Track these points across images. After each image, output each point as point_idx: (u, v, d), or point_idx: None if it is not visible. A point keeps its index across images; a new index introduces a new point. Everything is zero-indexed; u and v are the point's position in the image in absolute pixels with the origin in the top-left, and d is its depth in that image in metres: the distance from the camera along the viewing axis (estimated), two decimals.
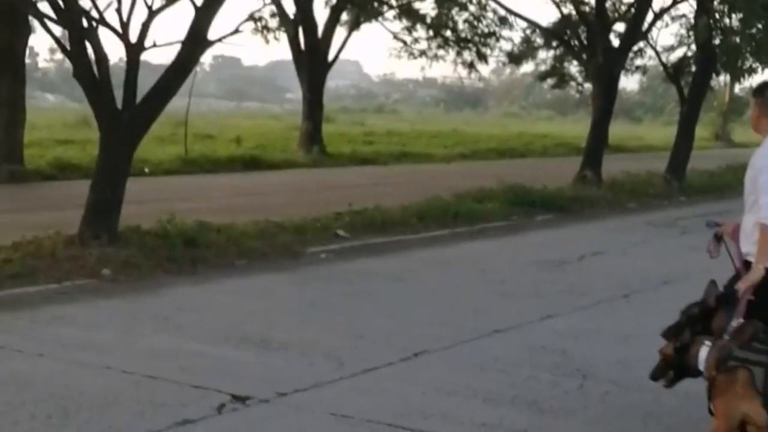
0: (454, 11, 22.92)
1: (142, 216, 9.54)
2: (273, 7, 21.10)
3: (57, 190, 13.92)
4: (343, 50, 23.19)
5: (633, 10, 19.51)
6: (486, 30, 23.45)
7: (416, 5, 23.06)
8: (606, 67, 18.38)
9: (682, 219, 14.02)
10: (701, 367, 4.10)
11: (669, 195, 17.35)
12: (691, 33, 20.64)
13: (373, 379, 5.42)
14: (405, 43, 24.05)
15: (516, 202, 13.57)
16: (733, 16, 19.44)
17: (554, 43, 26.95)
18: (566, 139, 32.27)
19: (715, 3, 19.05)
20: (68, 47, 8.85)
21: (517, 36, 24.92)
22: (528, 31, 25.59)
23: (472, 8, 22.73)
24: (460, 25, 23.47)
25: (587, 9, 21.30)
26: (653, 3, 18.64)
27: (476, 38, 23.55)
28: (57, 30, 9.15)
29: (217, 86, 75.25)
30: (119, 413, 4.66)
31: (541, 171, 19.23)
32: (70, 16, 8.61)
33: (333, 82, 38.70)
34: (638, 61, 26.52)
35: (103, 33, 8.76)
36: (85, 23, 8.67)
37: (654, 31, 21.19)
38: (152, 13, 8.90)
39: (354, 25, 23.12)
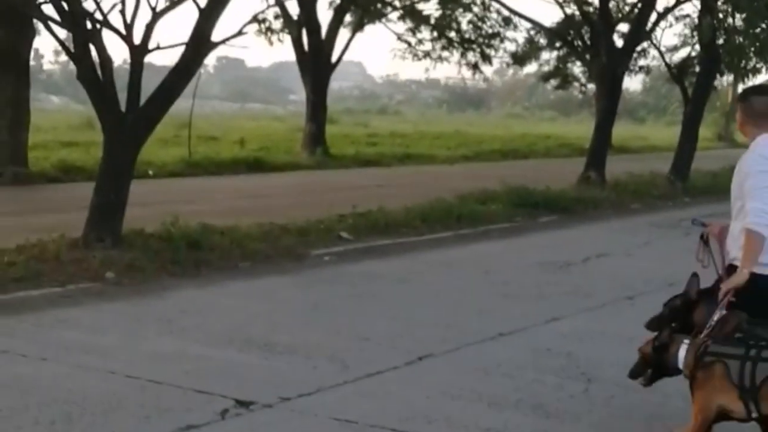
0: (458, 12, 22.88)
1: (145, 218, 9.54)
2: (277, 9, 21.10)
3: (61, 193, 13.93)
4: (346, 51, 23.21)
5: (636, 10, 19.48)
6: (490, 31, 23.41)
7: (420, 6, 23.03)
8: (609, 67, 18.35)
9: (686, 220, 13.91)
10: (681, 365, 4.15)
11: (673, 196, 17.32)
12: (695, 33, 20.61)
13: (377, 383, 5.40)
14: (409, 44, 24.03)
15: (519, 203, 13.56)
16: (737, 15, 19.40)
17: (557, 44, 26.93)
18: (569, 139, 32.23)
19: (719, 3, 19.01)
20: (72, 49, 8.85)
21: (520, 37, 24.81)
22: (531, 32, 25.58)
23: (475, 9, 22.70)
24: (464, 26, 23.44)
25: (591, 9, 21.27)
26: (657, 3, 18.62)
27: (480, 39, 23.51)
28: (61, 32, 9.17)
29: (220, 88, 75.30)
30: (123, 418, 4.65)
31: (544, 172, 19.20)
32: (73, 18, 8.61)
33: (336, 83, 38.67)
34: (641, 62, 26.50)
35: (107, 35, 8.77)
36: (89, 25, 8.67)
37: (657, 32, 21.16)
38: (156, 15, 8.90)
39: (357, 27, 23.11)
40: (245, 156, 20.00)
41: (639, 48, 22.85)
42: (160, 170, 16.91)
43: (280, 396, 5.03)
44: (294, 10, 21.59)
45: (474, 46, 23.55)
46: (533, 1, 24.22)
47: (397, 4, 22.94)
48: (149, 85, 9.04)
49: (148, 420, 4.64)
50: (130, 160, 9.02)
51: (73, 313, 6.74)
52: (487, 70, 24.70)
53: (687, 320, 4.42)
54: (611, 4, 19.89)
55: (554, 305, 7.71)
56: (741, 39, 19.27)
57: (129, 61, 8.93)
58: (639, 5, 19.13)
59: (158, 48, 9.02)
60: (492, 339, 6.56)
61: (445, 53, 23.94)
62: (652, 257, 10.82)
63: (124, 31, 8.77)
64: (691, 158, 19.10)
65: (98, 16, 8.70)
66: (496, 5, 22.79)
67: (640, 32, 18.96)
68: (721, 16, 19.06)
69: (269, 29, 21.73)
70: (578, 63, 28.66)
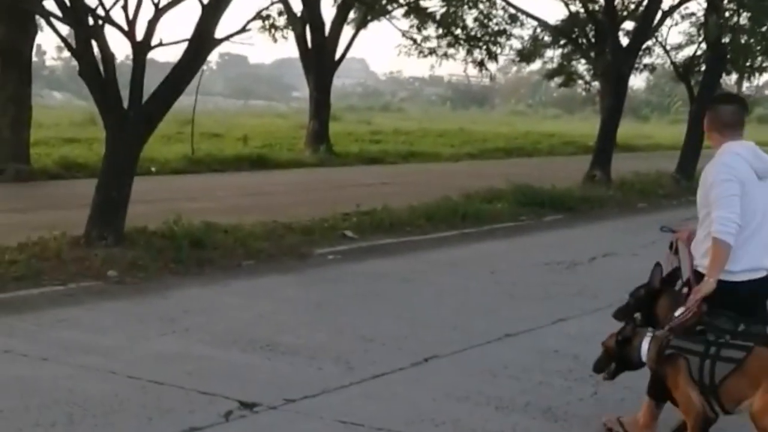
0: (464, 8, 22.76)
1: (148, 216, 9.48)
2: (280, 5, 21.01)
3: (63, 190, 13.87)
4: (350, 48, 23.11)
5: (642, 8, 19.36)
6: (496, 28, 23.30)
7: (424, 3, 22.93)
8: (615, 65, 18.25)
9: (692, 219, 13.88)
10: (644, 358, 4.22)
11: (678, 195, 17.20)
12: (701, 31, 20.51)
13: (383, 385, 5.33)
14: (415, 41, 23.92)
15: (525, 202, 13.49)
16: (743, 14, 19.31)
17: (562, 42, 26.79)
18: (574, 137, 32.14)
19: (725, 1, 18.91)
20: (74, 46, 8.78)
21: (526, 34, 24.64)
22: (538, 30, 25.44)
23: (481, 6, 22.58)
24: (470, 23, 23.33)
25: (596, 7, 21.15)
26: (662, 1, 18.51)
27: (486, 37, 23.40)
28: (63, 28, 9.10)
29: (223, 85, 75.23)
30: (125, 420, 4.58)
31: (549, 170, 19.12)
32: (76, 14, 8.54)
33: (339, 80, 38.58)
34: (646, 60, 26.37)
35: (110, 31, 8.71)
36: (91, 21, 8.60)
37: (663, 29, 21.07)
38: (159, 11, 8.83)
39: (361, 24, 23.01)
40: (248, 153, 19.94)
41: (644, 46, 22.75)
42: (163, 167, 16.85)
43: (284, 398, 4.96)
44: (297, 6, 21.54)
45: (480, 43, 23.42)
46: None
47: (402, 0, 22.83)
48: (152, 82, 8.97)
49: (150, 422, 4.57)
50: (132, 157, 8.95)
51: (74, 313, 6.67)
52: (492, 67, 24.55)
53: (651, 310, 4.53)
54: (616, 2, 19.78)
55: (561, 306, 7.62)
56: (747, 38, 19.18)
57: (131, 57, 8.86)
58: (645, 3, 19.01)
59: (161, 44, 8.95)
60: (498, 340, 6.48)
61: (451, 50, 23.83)
62: (658, 257, 10.67)
63: (126, 28, 8.70)
64: (697, 157, 18.98)
65: (100, 12, 8.64)
66: (501, 2, 22.68)
67: (645, 30, 18.86)
68: (727, 14, 18.97)
69: (273, 26, 21.60)
70: (583, 61, 28.52)
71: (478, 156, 25.14)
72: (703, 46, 20.34)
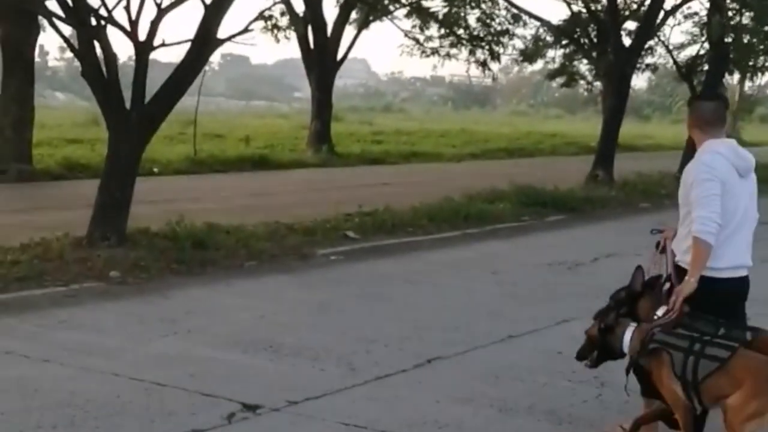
0: (466, 9, 22.72)
1: (151, 216, 9.46)
2: (282, 6, 20.99)
3: (65, 190, 13.86)
4: (352, 49, 23.08)
5: (644, 7, 19.33)
6: (499, 28, 23.26)
7: (426, 3, 22.90)
8: (617, 65, 18.22)
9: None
10: (626, 349, 4.25)
11: None
12: (703, 31, 20.48)
13: (385, 387, 5.31)
14: (417, 41, 23.89)
15: (527, 202, 13.46)
16: (746, 14, 19.28)
17: (564, 42, 26.74)
18: (575, 137, 32.10)
19: (728, 1, 18.89)
20: (77, 46, 8.76)
21: (529, 34, 24.57)
22: (540, 30, 25.39)
23: (483, 6, 22.54)
24: (473, 23, 23.30)
25: (598, 7, 21.12)
26: (665, 1, 18.48)
27: (489, 36, 23.36)
28: (66, 29, 9.07)
29: (225, 85, 75.22)
30: (127, 422, 4.56)
31: (551, 170, 19.09)
32: (78, 14, 8.52)
33: (341, 80, 38.52)
34: (648, 60, 26.31)
35: (112, 32, 8.69)
36: (94, 22, 8.59)
37: (666, 29, 21.03)
38: (161, 12, 8.81)
39: (363, 24, 22.98)
40: (250, 154, 19.92)
41: (646, 46, 22.72)
42: (166, 168, 16.83)
43: (287, 400, 4.94)
44: (300, 7, 21.51)
45: (483, 43, 23.39)
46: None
47: (404, 0, 22.81)
48: (154, 83, 8.96)
49: (153, 424, 4.55)
50: (135, 157, 8.94)
51: (76, 314, 6.66)
52: (494, 67, 24.50)
53: (632, 312, 4.53)
54: (619, 2, 19.75)
55: (564, 307, 7.59)
56: (750, 37, 19.15)
57: (134, 58, 8.84)
58: (647, 2, 18.98)
59: (163, 45, 8.94)
60: (501, 341, 6.46)
61: (454, 50, 23.79)
62: None
63: (129, 28, 8.68)
64: None
65: (103, 12, 8.62)
66: (503, 2, 22.64)
67: (648, 30, 18.83)
68: (730, 14, 18.94)
69: (275, 26, 21.61)
70: (584, 61, 28.47)
71: (480, 156, 25.12)
72: (706, 45, 20.33)
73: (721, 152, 4.36)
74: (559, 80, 30.92)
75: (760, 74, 24.61)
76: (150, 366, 5.44)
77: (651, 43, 22.00)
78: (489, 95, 74.14)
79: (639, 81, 60.64)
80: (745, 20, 19.61)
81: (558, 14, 76.21)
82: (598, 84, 28.63)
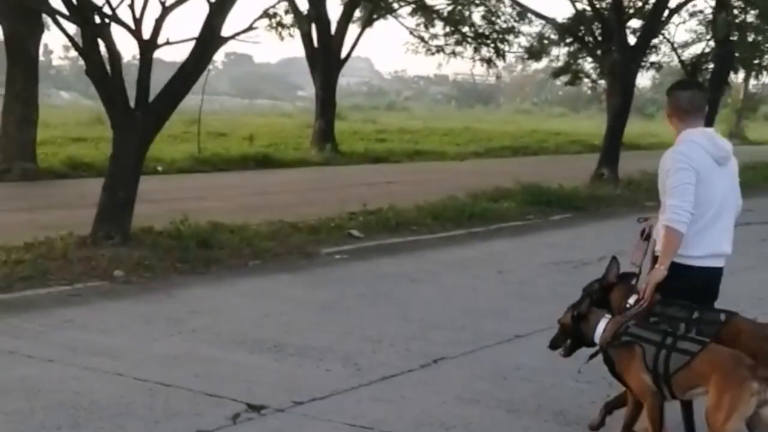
0: (470, 6, 22.69)
1: (155, 215, 9.44)
2: (287, 4, 20.97)
3: (70, 189, 13.85)
4: (355, 47, 23.06)
5: (649, 5, 19.27)
6: (504, 26, 23.22)
7: (430, 1, 22.85)
8: (622, 63, 18.16)
9: None
10: (597, 338, 4.30)
11: None
12: (708, 29, 20.41)
13: (392, 387, 5.27)
14: (422, 39, 23.85)
15: (532, 201, 13.43)
16: (751, 11, 19.22)
17: (568, 40, 26.67)
18: (580, 136, 32.06)
19: None
20: (81, 44, 8.74)
21: (533, 31, 24.55)
22: (544, 28, 25.33)
23: (488, 3, 22.50)
24: (478, 21, 23.27)
25: (603, 5, 21.07)
26: None
27: (494, 34, 23.32)
28: (70, 27, 9.05)
29: (229, 84, 75.21)
30: (131, 422, 4.52)
31: (555, 169, 19.04)
32: (83, 13, 8.50)
33: (344, 79, 38.48)
34: (653, 58, 26.25)
35: (116, 30, 8.66)
36: (98, 20, 8.56)
37: (671, 27, 20.97)
38: (165, 10, 8.79)
39: (367, 22, 22.96)
40: (254, 152, 19.91)
41: (651, 44, 22.67)
42: (170, 167, 16.83)
43: (292, 400, 4.91)
44: (304, 5, 21.49)
45: (488, 41, 23.35)
46: None
47: None
48: (158, 81, 8.93)
49: (157, 424, 4.52)
50: (139, 156, 8.91)
51: (80, 313, 6.63)
52: (499, 65, 24.47)
53: (604, 302, 4.56)
54: None
55: None
56: (755, 35, 19.09)
57: (138, 56, 8.82)
58: (652, 0, 18.91)
59: (168, 43, 8.92)
60: (508, 341, 6.42)
61: (459, 48, 23.76)
62: None
63: (133, 26, 8.66)
64: None
65: (107, 10, 8.60)
66: (507, 0, 22.61)
67: (653, 28, 18.77)
68: (735, 12, 18.88)
69: (279, 24, 21.59)
70: (589, 59, 28.40)
71: (483, 155, 25.08)
72: (711, 43, 20.26)
73: (697, 141, 4.37)
74: (564, 78, 30.84)
75: (765, 72, 24.53)
76: (154, 366, 5.41)
77: (656, 41, 21.96)
78: (493, 93, 74.07)
79: (643, 79, 60.32)
80: (751, 18, 19.55)
81: (563, 12, 76.08)
82: (602, 82, 28.55)
